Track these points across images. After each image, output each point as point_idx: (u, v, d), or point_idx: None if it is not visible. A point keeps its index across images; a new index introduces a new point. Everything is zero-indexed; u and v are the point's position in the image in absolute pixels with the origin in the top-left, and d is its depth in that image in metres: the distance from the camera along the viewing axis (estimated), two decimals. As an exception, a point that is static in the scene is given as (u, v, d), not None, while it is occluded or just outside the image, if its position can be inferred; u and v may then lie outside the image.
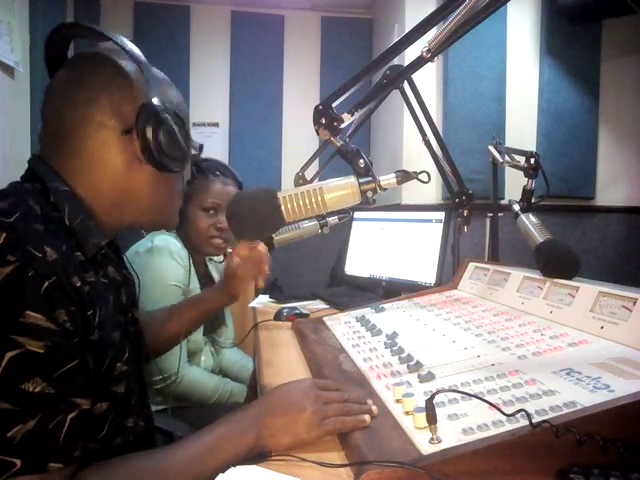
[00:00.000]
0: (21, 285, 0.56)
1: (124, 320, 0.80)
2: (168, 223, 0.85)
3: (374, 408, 0.68)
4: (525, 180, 1.27)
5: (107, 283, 0.75)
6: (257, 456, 0.66)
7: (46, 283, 0.58)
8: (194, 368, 1.47)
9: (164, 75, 0.80)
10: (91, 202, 0.72)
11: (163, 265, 1.39)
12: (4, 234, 0.58)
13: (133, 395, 0.77)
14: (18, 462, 0.53)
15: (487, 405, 0.58)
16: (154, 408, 1.31)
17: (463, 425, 0.58)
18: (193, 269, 1.48)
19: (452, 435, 0.57)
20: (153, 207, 0.79)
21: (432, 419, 0.57)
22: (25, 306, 0.56)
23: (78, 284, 0.63)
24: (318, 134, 0.84)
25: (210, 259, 1.67)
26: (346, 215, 1.42)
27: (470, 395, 0.61)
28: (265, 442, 0.66)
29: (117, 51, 0.74)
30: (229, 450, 0.66)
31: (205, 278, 1.62)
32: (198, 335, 1.51)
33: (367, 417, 0.66)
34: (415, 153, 2.59)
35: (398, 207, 2.75)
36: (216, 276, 1.68)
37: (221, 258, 1.73)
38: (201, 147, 0.92)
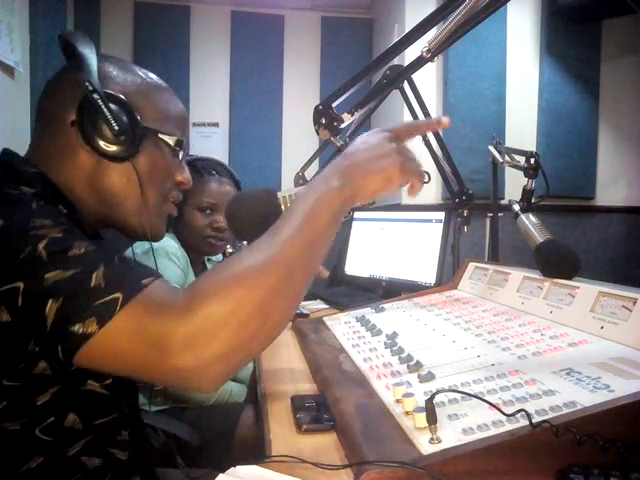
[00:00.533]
0: (16, 202, 0.60)
1: None
2: (147, 231, 0.79)
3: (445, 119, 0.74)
4: (525, 180, 1.27)
5: None
6: (257, 456, 0.66)
7: (34, 202, 0.61)
8: None
9: (121, 65, 0.77)
10: (61, 188, 0.72)
11: (161, 267, 1.39)
12: None
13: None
14: (117, 294, 0.55)
15: (487, 405, 0.58)
16: (154, 408, 1.31)
17: (463, 425, 0.58)
18: (191, 270, 1.48)
19: (452, 435, 0.57)
20: (121, 204, 0.76)
21: (432, 419, 0.57)
22: (29, 216, 0.59)
23: (65, 211, 0.66)
24: (318, 134, 0.84)
25: (209, 259, 1.67)
26: (346, 215, 1.42)
27: (470, 395, 0.61)
28: (358, 191, 0.66)
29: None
30: (328, 211, 0.64)
31: None
32: None
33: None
34: (415, 153, 2.59)
35: (398, 207, 2.74)
36: None
37: (220, 257, 1.73)
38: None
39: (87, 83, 0.69)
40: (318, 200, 0.64)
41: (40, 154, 0.74)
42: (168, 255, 1.41)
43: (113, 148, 0.71)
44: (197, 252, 1.53)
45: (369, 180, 0.67)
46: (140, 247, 1.43)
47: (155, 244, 1.40)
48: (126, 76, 0.75)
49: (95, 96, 0.69)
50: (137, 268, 0.61)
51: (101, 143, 0.71)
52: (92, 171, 0.73)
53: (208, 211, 1.48)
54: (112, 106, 0.70)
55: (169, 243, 1.44)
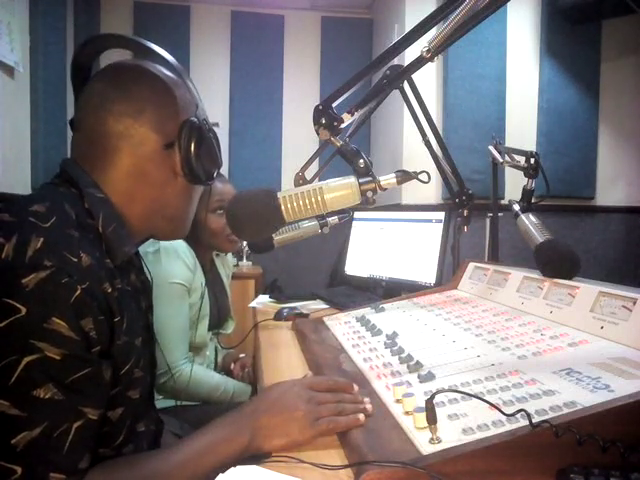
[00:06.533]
0: (54, 291, 0.57)
1: (143, 325, 0.80)
2: (184, 233, 0.85)
3: (369, 407, 0.68)
4: (525, 180, 1.27)
5: (130, 290, 0.76)
6: (256, 457, 0.66)
7: (78, 290, 0.58)
8: (196, 365, 1.48)
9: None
10: (124, 210, 0.73)
11: (170, 265, 1.44)
12: (41, 239, 0.59)
13: (143, 400, 0.78)
14: (19, 470, 0.54)
15: (487, 405, 0.58)
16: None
17: (463, 425, 0.58)
18: (199, 266, 1.51)
19: (452, 435, 0.57)
20: (178, 217, 0.80)
21: (432, 419, 0.57)
22: (52, 313, 0.56)
23: (109, 290, 0.64)
24: (318, 134, 0.84)
25: (217, 254, 1.70)
26: (346, 215, 1.42)
27: (470, 395, 0.61)
28: (259, 443, 0.66)
29: (157, 63, 0.76)
30: (223, 451, 0.65)
31: (212, 273, 1.65)
32: (204, 330, 1.53)
33: (361, 416, 0.65)
34: (415, 153, 2.59)
35: (398, 207, 2.75)
36: (222, 271, 1.72)
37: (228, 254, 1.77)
38: None
39: (197, 114, 0.73)
40: (219, 440, 0.66)
41: (98, 163, 0.71)
42: (178, 254, 1.45)
43: (209, 175, 0.77)
44: (216, 249, 1.61)
45: (276, 441, 0.66)
46: (151, 247, 1.45)
47: (165, 244, 1.43)
48: (198, 99, 0.78)
49: (205, 130, 0.74)
50: (68, 450, 0.57)
51: (199, 171, 0.74)
52: (159, 187, 0.74)
53: (219, 211, 1.51)
54: (213, 135, 0.77)
55: (178, 242, 1.47)
